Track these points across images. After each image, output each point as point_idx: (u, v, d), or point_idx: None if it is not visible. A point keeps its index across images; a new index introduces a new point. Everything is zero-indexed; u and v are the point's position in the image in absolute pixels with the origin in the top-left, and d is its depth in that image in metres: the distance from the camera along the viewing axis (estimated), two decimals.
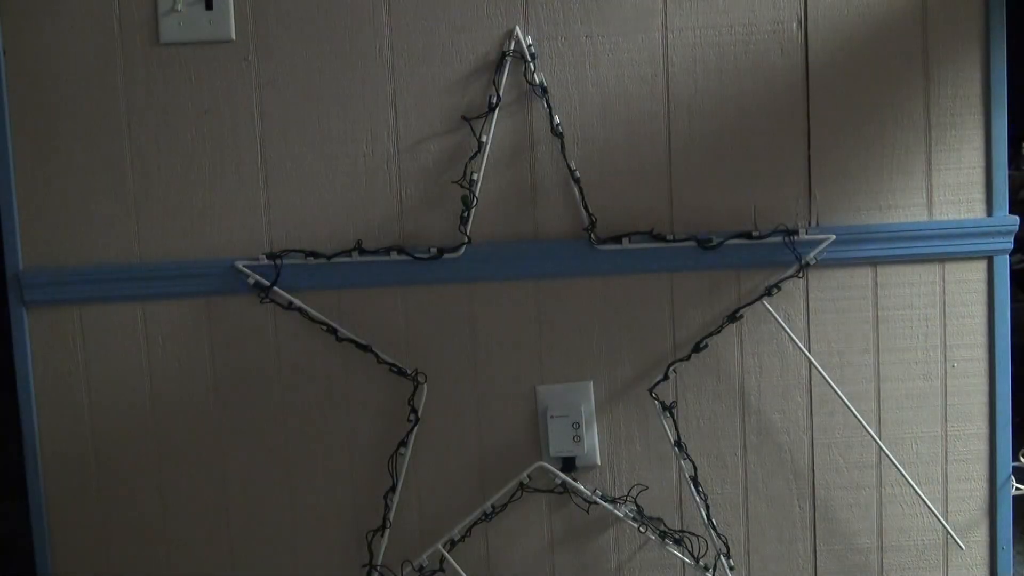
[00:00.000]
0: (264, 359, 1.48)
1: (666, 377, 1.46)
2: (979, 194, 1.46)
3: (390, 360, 1.46)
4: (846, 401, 1.45)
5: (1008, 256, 1.47)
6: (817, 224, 1.45)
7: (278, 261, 1.44)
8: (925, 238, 1.45)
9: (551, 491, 1.48)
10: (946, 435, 1.50)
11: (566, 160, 1.43)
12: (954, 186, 1.46)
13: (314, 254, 1.45)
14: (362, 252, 1.45)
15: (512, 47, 1.43)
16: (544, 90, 1.43)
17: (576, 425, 1.47)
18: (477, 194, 1.43)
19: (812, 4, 1.43)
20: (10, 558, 1.95)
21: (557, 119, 1.43)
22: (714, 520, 1.47)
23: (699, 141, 1.45)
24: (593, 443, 1.48)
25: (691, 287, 1.47)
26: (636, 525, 1.46)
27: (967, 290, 1.47)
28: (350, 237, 1.46)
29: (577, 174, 1.43)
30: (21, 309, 1.47)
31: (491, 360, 1.48)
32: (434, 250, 1.44)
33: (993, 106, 1.44)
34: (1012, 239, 1.46)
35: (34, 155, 1.45)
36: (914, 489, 1.48)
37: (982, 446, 1.50)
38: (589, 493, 1.47)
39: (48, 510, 1.50)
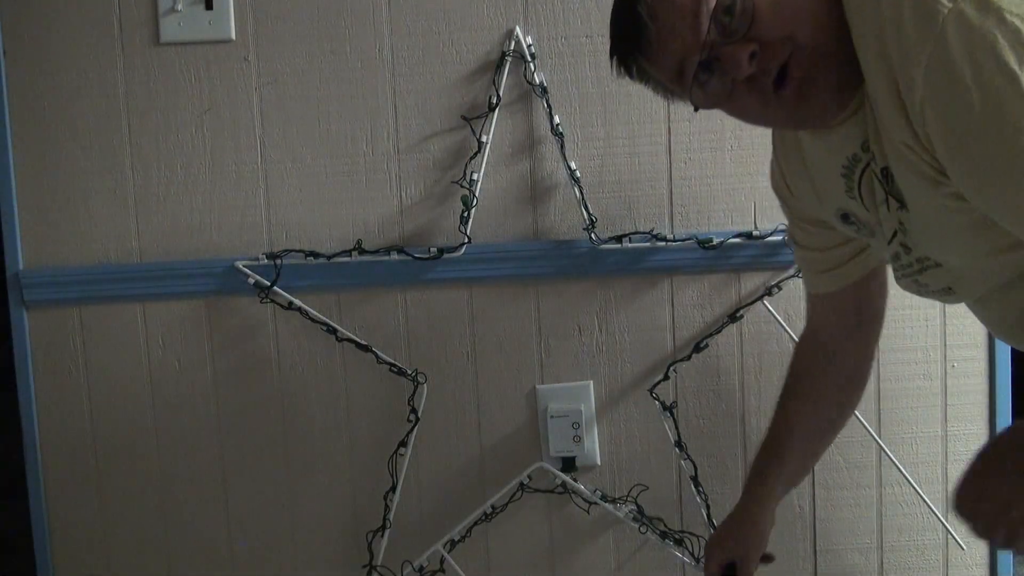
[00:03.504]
0: (264, 359, 1.48)
1: (666, 377, 1.46)
2: None
3: (390, 360, 1.46)
4: None
5: None
6: None
7: (278, 261, 1.44)
8: None
9: (551, 491, 1.48)
10: (946, 435, 1.50)
11: (566, 160, 1.43)
12: None
13: (314, 254, 1.45)
14: (362, 252, 1.45)
15: (512, 47, 1.43)
16: (544, 90, 1.43)
17: (576, 425, 1.47)
18: (477, 194, 1.43)
19: None
20: (10, 558, 1.95)
21: (557, 119, 1.43)
22: (714, 520, 1.47)
23: (699, 141, 1.45)
24: (593, 443, 1.48)
25: (691, 287, 1.47)
26: (636, 525, 1.46)
27: None
28: (350, 237, 1.46)
29: (577, 174, 1.43)
30: (21, 309, 1.47)
31: (491, 360, 1.48)
32: (434, 250, 1.44)
33: None
34: None
35: (34, 155, 1.45)
36: (914, 489, 1.48)
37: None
38: (589, 493, 1.47)
39: (48, 510, 1.50)
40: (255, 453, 1.50)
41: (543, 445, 1.49)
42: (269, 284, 1.44)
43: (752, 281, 1.46)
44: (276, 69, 1.45)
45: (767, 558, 1.18)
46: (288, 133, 1.45)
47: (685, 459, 1.47)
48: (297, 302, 1.45)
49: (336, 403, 1.49)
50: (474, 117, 1.43)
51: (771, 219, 1.45)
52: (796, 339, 1.45)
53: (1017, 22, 0.68)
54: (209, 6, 1.43)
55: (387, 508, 1.47)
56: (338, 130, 1.46)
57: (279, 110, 1.45)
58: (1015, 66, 0.67)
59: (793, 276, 1.44)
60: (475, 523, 1.48)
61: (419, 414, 1.46)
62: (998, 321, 0.96)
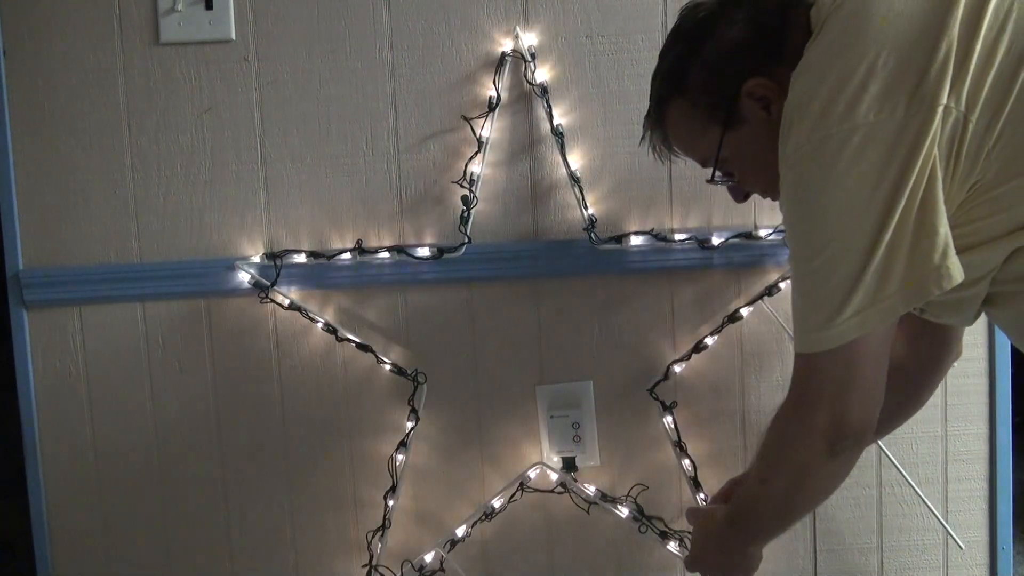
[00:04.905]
0: (264, 359, 1.48)
1: (666, 377, 1.46)
2: None
3: (390, 360, 1.46)
4: None
5: None
6: None
7: (278, 261, 1.44)
8: None
9: (551, 491, 1.48)
10: (946, 435, 1.50)
11: (566, 160, 1.43)
12: None
13: (314, 254, 1.45)
14: (362, 252, 1.45)
15: (512, 47, 1.43)
16: (544, 90, 1.43)
17: (576, 425, 1.47)
18: (477, 194, 1.43)
19: None
20: (10, 558, 1.95)
21: (557, 119, 1.43)
22: None
23: None
24: (593, 443, 1.48)
25: (691, 287, 1.47)
26: (636, 525, 1.46)
27: None
28: (350, 237, 1.46)
29: (577, 174, 1.43)
30: (21, 309, 1.47)
31: (491, 360, 1.48)
32: (434, 250, 1.44)
33: None
34: None
35: (34, 155, 1.45)
36: (914, 489, 1.48)
37: (982, 446, 1.50)
38: (589, 493, 1.47)
39: (48, 510, 1.50)
40: (255, 453, 1.50)
41: (543, 445, 1.49)
42: (269, 284, 1.44)
43: (752, 281, 1.46)
44: (276, 69, 1.45)
45: None
46: (288, 133, 1.45)
47: (685, 459, 1.47)
48: (297, 302, 1.45)
49: (336, 403, 1.49)
50: (474, 117, 1.43)
51: (771, 219, 1.45)
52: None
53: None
54: (209, 6, 1.43)
55: (387, 508, 1.47)
56: (338, 130, 1.46)
57: (279, 110, 1.45)
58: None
59: None
60: (475, 523, 1.48)
61: (419, 414, 1.46)
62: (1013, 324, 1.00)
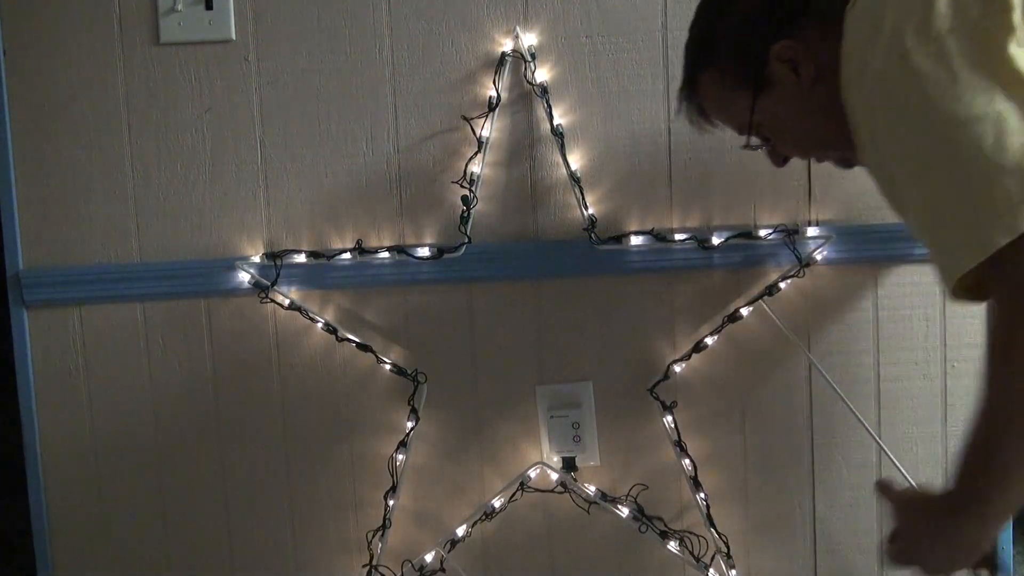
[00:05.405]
0: (264, 359, 1.48)
1: (666, 377, 1.46)
2: None
3: (390, 360, 1.46)
4: (846, 401, 1.45)
5: None
6: (817, 223, 1.45)
7: (278, 261, 1.44)
8: None
9: (551, 491, 1.48)
10: (946, 435, 1.50)
11: (566, 160, 1.43)
12: None
13: (314, 254, 1.45)
14: (362, 252, 1.45)
15: (512, 47, 1.43)
16: (544, 90, 1.43)
17: (576, 425, 1.47)
18: (477, 194, 1.43)
19: None
20: (10, 558, 1.95)
21: (557, 119, 1.43)
22: (714, 520, 1.47)
23: (699, 141, 1.45)
24: (593, 443, 1.48)
25: (691, 287, 1.47)
26: (636, 525, 1.46)
27: None
28: (350, 237, 1.46)
29: (577, 174, 1.43)
30: (21, 309, 1.47)
31: (491, 360, 1.48)
32: (434, 250, 1.44)
33: None
34: None
35: (34, 155, 1.45)
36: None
37: None
38: (589, 493, 1.47)
39: (48, 510, 1.50)
40: (255, 453, 1.50)
41: (543, 445, 1.49)
42: (269, 284, 1.44)
43: (752, 281, 1.46)
44: (276, 69, 1.45)
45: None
46: (288, 133, 1.46)
47: (685, 459, 1.47)
48: (297, 302, 1.45)
49: (336, 403, 1.49)
50: (474, 117, 1.43)
51: (771, 218, 1.45)
52: (796, 339, 1.45)
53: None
54: (209, 6, 1.43)
55: (387, 508, 1.47)
56: (338, 130, 1.46)
57: (279, 110, 1.45)
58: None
59: (793, 276, 1.44)
60: (475, 523, 1.48)
61: (419, 414, 1.46)
62: None
